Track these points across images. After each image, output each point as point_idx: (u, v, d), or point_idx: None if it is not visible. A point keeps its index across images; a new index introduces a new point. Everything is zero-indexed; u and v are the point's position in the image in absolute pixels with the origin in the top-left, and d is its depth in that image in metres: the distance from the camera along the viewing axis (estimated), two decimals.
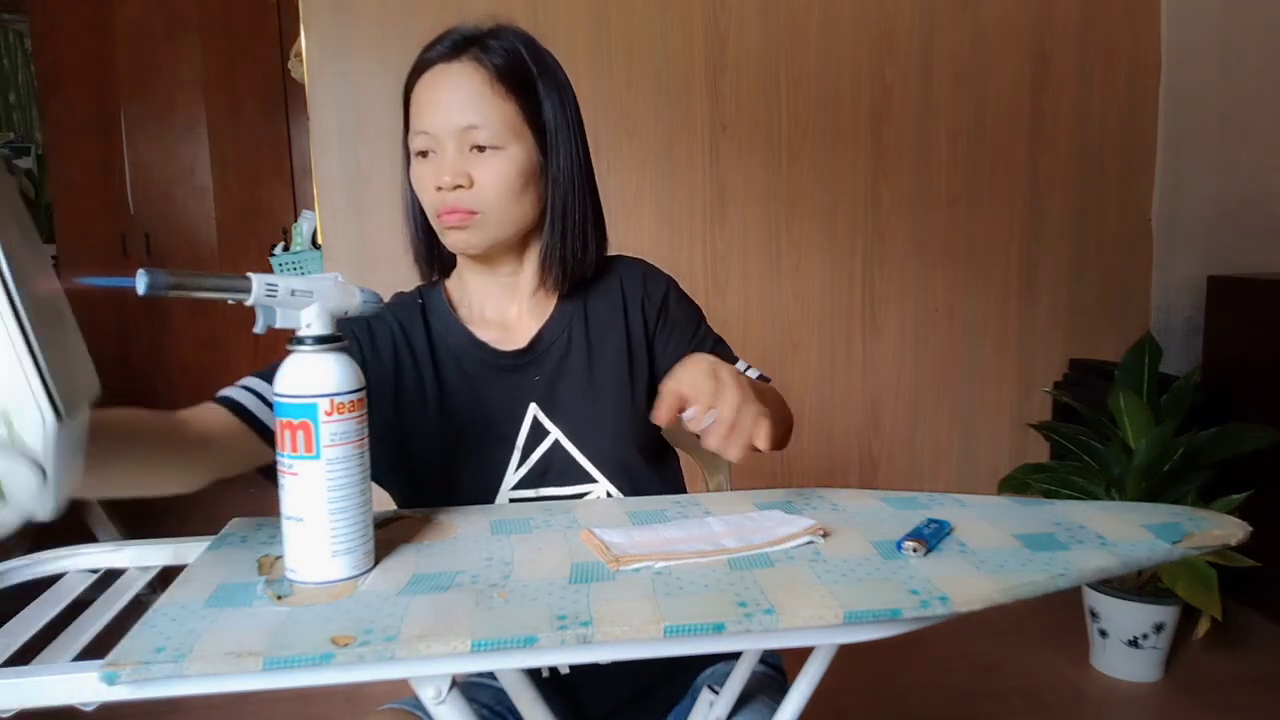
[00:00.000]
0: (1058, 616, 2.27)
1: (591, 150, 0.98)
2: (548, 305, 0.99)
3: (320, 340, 0.65)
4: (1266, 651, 2.14)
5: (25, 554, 0.75)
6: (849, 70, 2.59)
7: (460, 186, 0.87)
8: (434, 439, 0.95)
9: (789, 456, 2.69)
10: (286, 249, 3.07)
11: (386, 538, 0.74)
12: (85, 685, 0.53)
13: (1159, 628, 1.97)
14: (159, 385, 3.77)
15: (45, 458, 0.49)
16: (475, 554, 0.70)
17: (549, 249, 0.95)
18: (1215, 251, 2.63)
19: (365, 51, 2.32)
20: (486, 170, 0.88)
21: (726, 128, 2.55)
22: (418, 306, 0.99)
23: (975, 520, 0.75)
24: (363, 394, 0.66)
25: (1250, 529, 0.71)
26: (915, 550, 0.67)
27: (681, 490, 1.03)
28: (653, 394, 0.76)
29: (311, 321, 0.66)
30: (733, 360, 0.99)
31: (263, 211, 3.79)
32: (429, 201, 0.91)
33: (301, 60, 2.37)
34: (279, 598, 0.62)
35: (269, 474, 0.68)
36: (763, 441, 0.72)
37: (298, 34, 2.39)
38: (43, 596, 0.70)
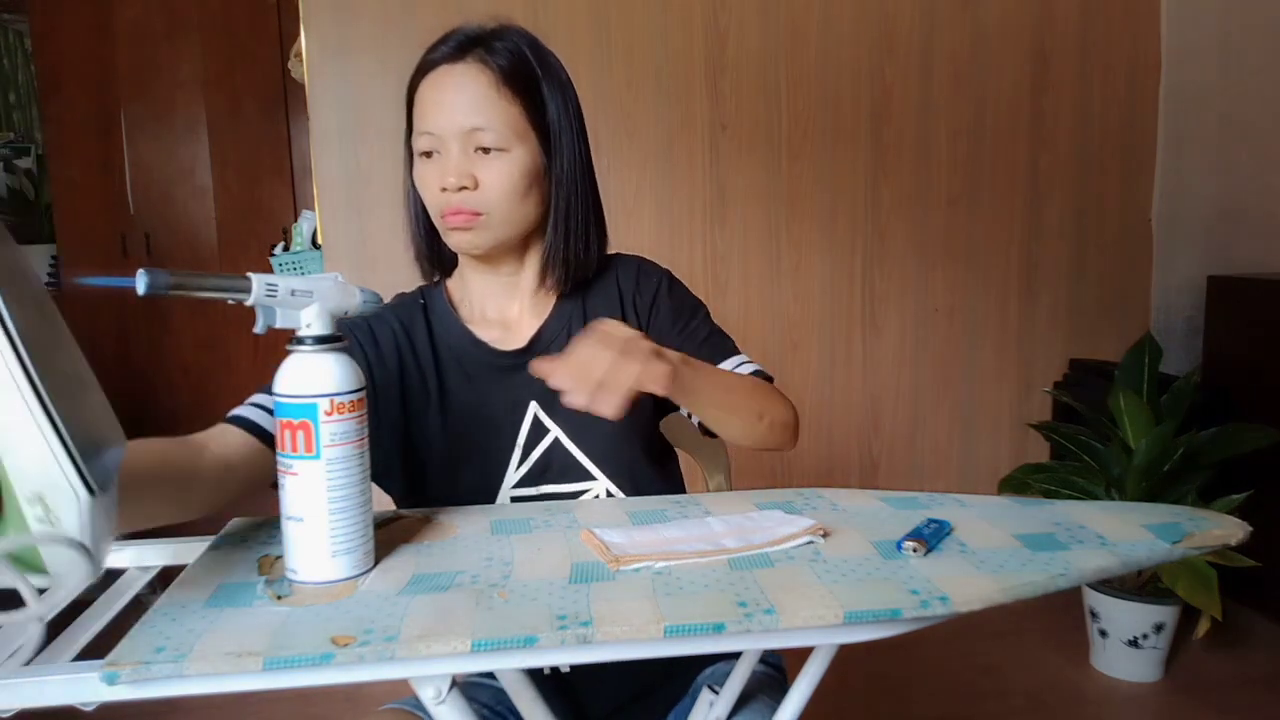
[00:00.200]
0: (1058, 616, 2.27)
1: (592, 150, 0.98)
2: (548, 304, 0.99)
3: (320, 340, 0.65)
4: (1266, 651, 2.14)
5: None
6: (849, 70, 2.59)
7: (465, 188, 0.87)
8: (436, 438, 0.95)
9: (789, 457, 2.69)
10: (286, 249, 3.06)
11: (386, 538, 0.74)
12: (85, 685, 0.53)
13: (1159, 628, 1.97)
14: (159, 385, 3.77)
15: (83, 533, 0.50)
16: (475, 554, 0.70)
17: (552, 249, 0.95)
18: (1215, 251, 2.63)
19: (365, 51, 2.33)
20: (491, 172, 0.88)
21: (726, 128, 2.55)
22: (419, 307, 0.99)
23: (975, 520, 0.75)
24: (363, 394, 0.66)
25: (1250, 529, 0.71)
26: (915, 550, 0.67)
27: (681, 489, 1.03)
28: (650, 392, 0.76)
29: (311, 321, 0.66)
30: (732, 354, 0.96)
31: (263, 211, 3.79)
32: (433, 202, 0.91)
33: (301, 60, 2.37)
34: (279, 598, 0.62)
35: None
36: (652, 385, 0.72)
37: (298, 34, 2.39)
38: (42, 597, 0.70)
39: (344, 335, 0.67)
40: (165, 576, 0.72)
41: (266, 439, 0.81)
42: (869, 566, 0.65)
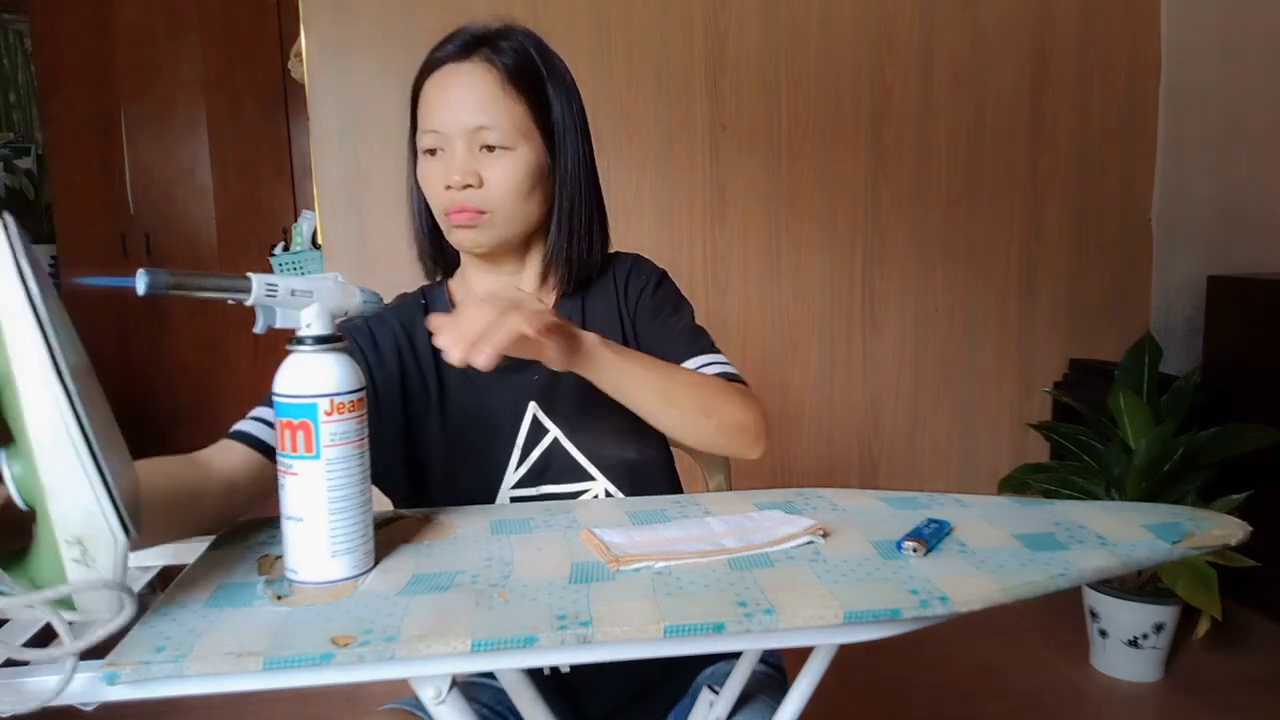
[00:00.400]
0: (1058, 616, 2.27)
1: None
2: (548, 304, 0.99)
3: (320, 340, 0.65)
4: (1266, 651, 2.14)
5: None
6: (849, 70, 2.59)
7: (470, 186, 0.88)
8: (437, 440, 0.95)
9: (789, 457, 2.69)
10: (286, 249, 3.07)
11: (386, 538, 0.74)
12: (85, 685, 0.53)
13: (1159, 628, 1.97)
14: (159, 385, 3.77)
15: (117, 573, 0.52)
16: (475, 554, 0.70)
17: (555, 249, 0.95)
18: (1215, 251, 2.63)
19: (365, 51, 2.32)
20: (496, 170, 0.88)
21: (726, 128, 2.55)
22: (420, 307, 0.99)
23: (975, 520, 0.75)
24: (362, 394, 0.66)
25: (1250, 529, 0.71)
26: (915, 550, 0.67)
27: (679, 488, 1.03)
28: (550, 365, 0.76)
29: (311, 321, 0.66)
30: (703, 352, 0.94)
31: (263, 211, 3.79)
32: (437, 200, 0.91)
33: (301, 60, 2.37)
34: (279, 598, 0.62)
35: None
36: (540, 348, 0.71)
37: (298, 34, 2.39)
38: (83, 635, 0.70)
39: (344, 335, 0.67)
40: (165, 576, 0.72)
41: (269, 453, 0.81)
42: (869, 566, 0.65)
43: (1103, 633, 2.04)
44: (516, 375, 0.94)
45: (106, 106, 3.63)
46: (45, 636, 0.57)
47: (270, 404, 0.82)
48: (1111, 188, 2.78)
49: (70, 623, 0.52)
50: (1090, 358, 2.76)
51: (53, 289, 0.51)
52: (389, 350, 0.95)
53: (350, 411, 0.64)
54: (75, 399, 0.49)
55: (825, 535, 0.72)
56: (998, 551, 0.68)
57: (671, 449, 1.08)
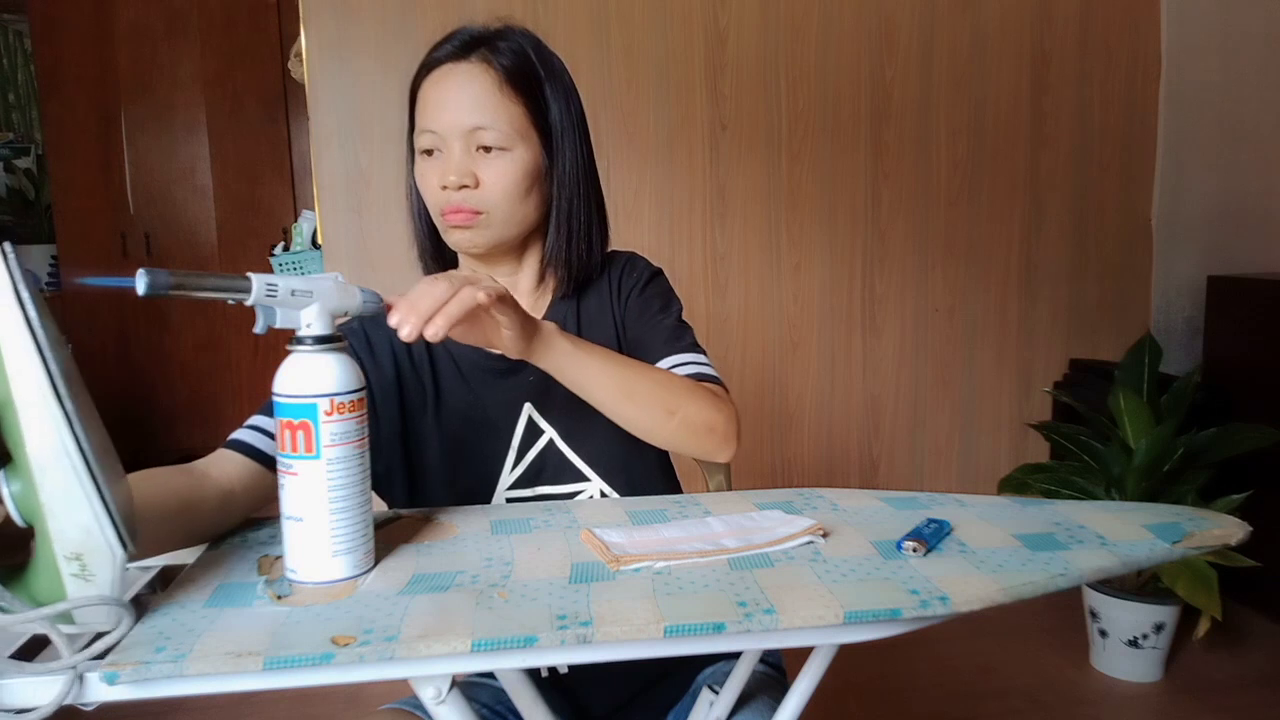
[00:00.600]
0: (1058, 616, 2.27)
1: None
2: (544, 305, 0.99)
3: (320, 340, 0.65)
4: (1266, 651, 2.14)
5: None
6: (849, 70, 2.59)
7: (466, 186, 0.88)
8: (433, 441, 0.95)
9: (789, 457, 2.69)
10: (286, 249, 3.07)
11: (386, 538, 0.74)
12: (85, 685, 0.53)
13: (1159, 628, 1.97)
14: (159, 385, 3.77)
15: (114, 587, 0.54)
16: (475, 554, 0.70)
17: (553, 251, 0.95)
18: (1215, 251, 2.63)
19: (365, 51, 2.32)
20: (493, 171, 0.88)
21: (726, 128, 2.55)
22: None
23: (975, 520, 0.75)
24: (362, 394, 0.66)
25: (1250, 529, 0.71)
26: (915, 550, 0.67)
27: (676, 488, 1.03)
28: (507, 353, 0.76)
29: (311, 321, 0.66)
30: (680, 351, 0.94)
31: (263, 211, 3.79)
32: (433, 200, 0.91)
33: (301, 60, 2.37)
34: (279, 598, 0.62)
35: None
36: (497, 332, 0.72)
37: (298, 34, 2.39)
38: (83, 649, 0.70)
39: (344, 336, 0.67)
40: (165, 576, 0.72)
41: (267, 462, 0.81)
42: (869, 566, 0.65)
43: (1103, 633, 2.04)
44: (511, 376, 0.94)
45: (106, 106, 3.63)
46: (34, 645, 0.58)
47: (267, 412, 0.82)
48: (1111, 188, 2.78)
49: (68, 635, 0.53)
50: (1090, 358, 2.77)
51: (49, 312, 0.52)
52: (384, 353, 0.95)
53: (350, 411, 0.64)
54: (75, 421, 0.51)
55: (825, 535, 0.72)
56: (998, 551, 0.68)
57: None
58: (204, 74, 3.68)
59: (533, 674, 0.93)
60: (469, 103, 0.88)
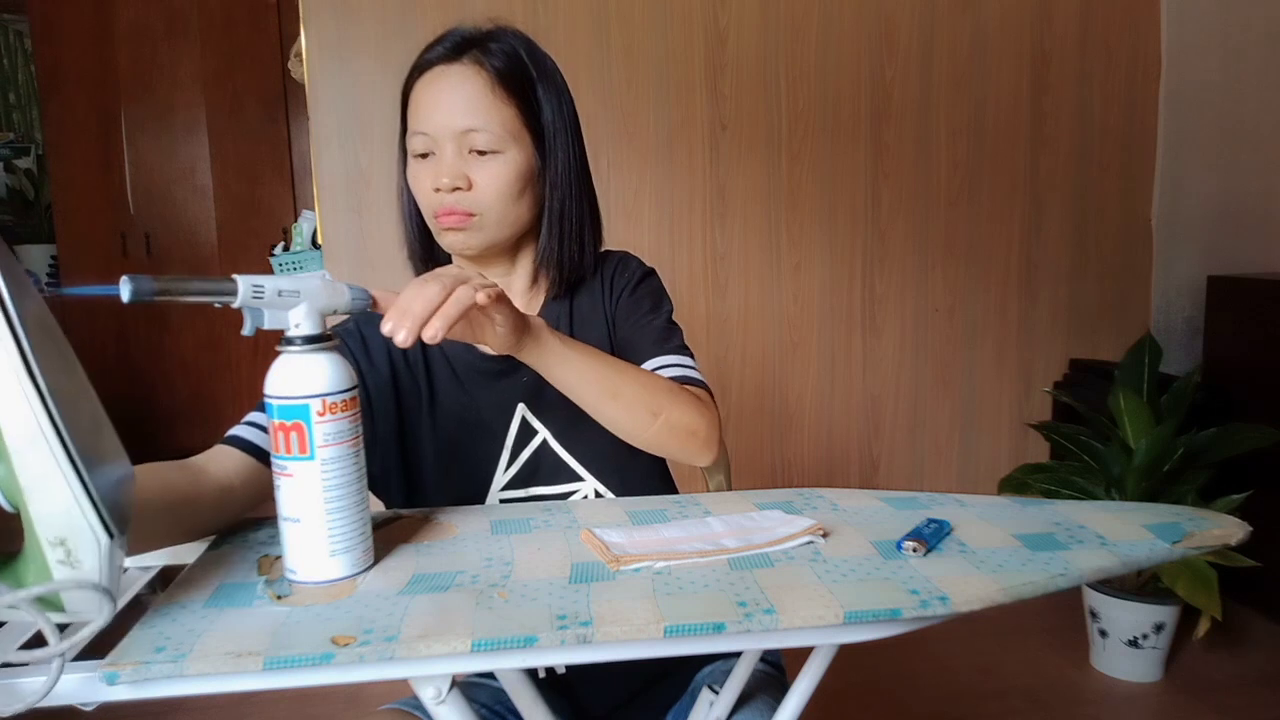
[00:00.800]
0: (1058, 616, 2.27)
1: (592, 150, 0.98)
2: (537, 305, 0.99)
3: (309, 340, 0.65)
4: (1266, 651, 2.14)
5: None
6: (849, 70, 2.59)
7: (459, 188, 0.87)
8: (428, 441, 0.95)
9: (789, 457, 2.69)
10: (286, 249, 3.07)
11: (386, 538, 0.74)
12: (85, 685, 0.53)
13: (1159, 628, 1.97)
14: (159, 385, 3.77)
15: (102, 575, 0.53)
16: (475, 554, 0.70)
17: (546, 252, 0.95)
18: (1215, 251, 2.63)
19: (365, 51, 2.33)
20: (485, 173, 0.88)
21: (726, 128, 2.55)
22: None
23: (975, 520, 0.75)
24: (355, 393, 0.66)
25: (1250, 529, 0.71)
26: (915, 550, 0.67)
27: (671, 488, 1.03)
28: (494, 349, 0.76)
29: (300, 321, 0.65)
30: (667, 353, 0.94)
31: (263, 211, 3.79)
32: (426, 202, 0.91)
33: (301, 60, 2.37)
34: (279, 598, 0.62)
35: None
36: (491, 331, 0.72)
37: (298, 34, 2.39)
38: (66, 636, 0.70)
39: (334, 335, 0.67)
40: (165, 576, 0.72)
41: (264, 458, 0.81)
42: (869, 566, 0.65)
43: (1103, 633, 2.04)
44: (505, 377, 0.94)
45: (106, 106, 3.63)
46: (43, 641, 0.57)
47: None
48: (1111, 188, 2.78)
49: (62, 625, 0.53)
50: (1090, 358, 2.77)
51: (30, 288, 0.51)
52: (379, 353, 0.95)
53: (343, 411, 0.64)
54: (48, 396, 0.49)
55: (825, 535, 0.72)
56: (998, 551, 0.68)
57: None
58: (204, 74, 3.68)
59: (531, 674, 0.93)
60: (461, 105, 0.87)
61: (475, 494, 0.95)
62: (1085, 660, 2.10)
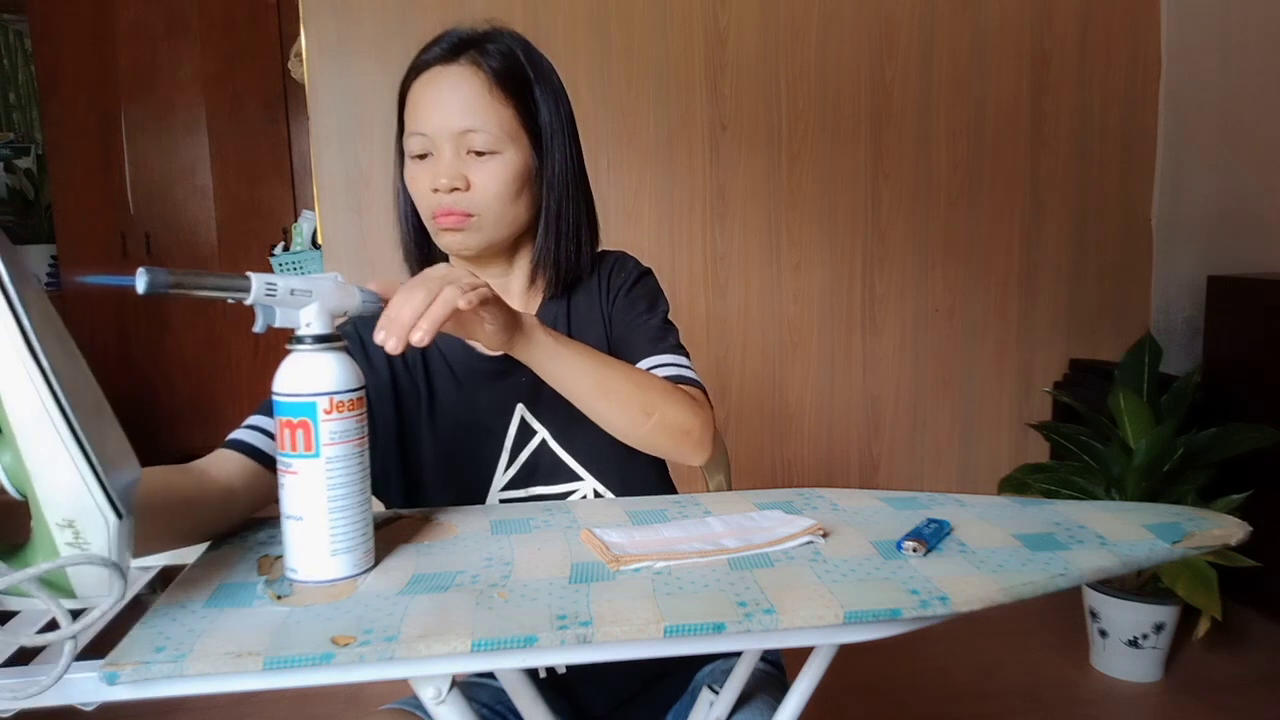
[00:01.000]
0: (1058, 616, 2.27)
1: (591, 150, 0.99)
2: (534, 305, 0.99)
3: (319, 339, 0.65)
4: (1266, 651, 2.14)
5: None
6: (849, 70, 2.59)
7: (457, 189, 0.88)
8: (428, 442, 0.95)
9: (789, 457, 2.69)
10: (286, 249, 3.07)
11: (386, 538, 0.74)
12: (85, 685, 0.53)
13: (1159, 628, 1.97)
14: (159, 385, 3.77)
15: (111, 554, 0.53)
16: (475, 554, 0.70)
17: (543, 252, 0.95)
18: (1215, 251, 2.63)
19: (365, 51, 2.33)
20: (482, 173, 0.88)
21: (726, 128, 2.55)
22: None
23: (975, 520, 0.75)
24: (362, 393, 0.66)
25: (1250, 529, 0.71)
26: (915, 550, 0.67)
27: (670, 488, 1.03)
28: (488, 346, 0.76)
29: (311, 321, 0.66)
30: (663, 352, 0.93)
31: (263, 211, 3.79)
32: (424, 203, 0.91)
33: (301, 60, 2.37)
34: (279, 598, 0.62)
35: None
36: (481, 328, 0.72)
37: (298, 34, 2.39)
38: (78, 619, 0.70)
39: (342, 335, 0.67)
40: (165, 576, 0.72)
41: (266, 462, 0.81)
42: (869, 566, 0.65)
43: (1103, 633, 2.04)
44: (505, 377, 0.94)
45: (106, 106, 3.63)
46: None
47: (266, 412, 0.82)
48: (1111, 188, 2.78)
49: (75, 614, 0.53)
50: (1090, 358, 2.76)
51: (31, 277, 0.51)
52: (379, 355, 0.95)
53: (350, 410, 0.64)
54: (51, 375, 0.49)
55: (825, 535, 0.72)
56: (998, 551, 0.68)
57: None
58: (204, 74, 3.67)
59: (531, 674, 0.93)
60: (459, 105, 0.87)
61: (475, 494, 0.95)
62: (1085, 660, 2.10)
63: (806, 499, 0.83)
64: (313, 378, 0.64)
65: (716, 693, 0.88)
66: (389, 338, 0.67)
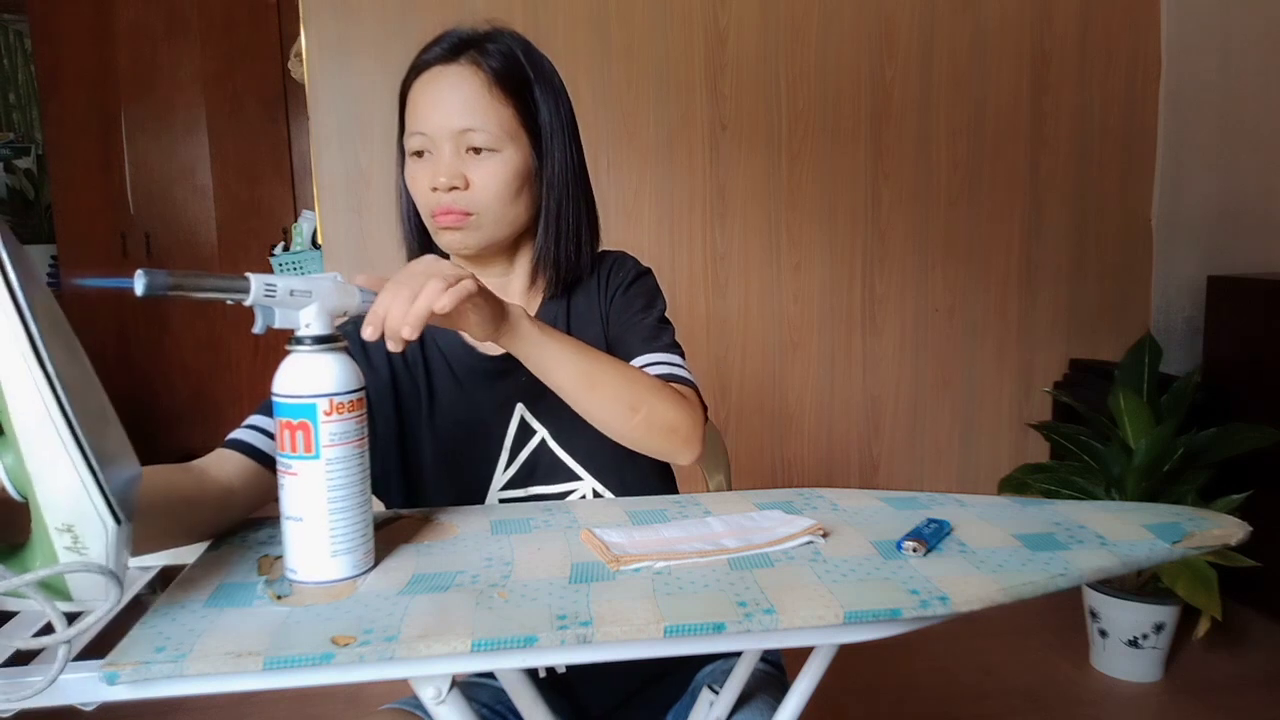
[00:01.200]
0: (1058, 616, 2.27)
1: (591, 150, 0.98)
2: (534, 305, 0.99)
3: (319, 340, 0.65)
4: (1266, 651, 2.14)
5: None
6: (849, 70, 2.59)
7: (456, 188, 0.88)
8: (427, 443, 0.95)
9: (789, 457, 2.69)
10: (286, 249, 3.07)
11: (386, 538, 0.74)
12: (85, 685, 0.53)
13: (1159, 628, 1.97)
14: (159, 385, 3.77)
15: (109, 560, 0.53)
16: (475, 554, 0.70)
17: (542, 251, 0.95)
18: (1215, 251, 2.63)
19: (365, 51, 2.33)
20: (482, 172, 0.88)
21: (726, 128, 2.55)
22: None
23: (975, 520, 0.75)
24: (362, 394, 0.66)
25: (1250, 529, 0.71)
26: (915, 550, 0.67)
27: (672, 487, 1.03)
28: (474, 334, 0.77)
29: (310, 321, 0.66)
30: (656, 351, 0.93)
31: (263, 211, 3.79)
32: (424, 202, 0.91)
33: (301, 60, 2.37)
34: (279, 598, 0.62)
35: None
36: (467, 319, 0.73)
37: (298, 34, 2.39)
38: (75, 623, 0.70)
39: (342, 336, 0.67)
40: (165, 576, 0.72)
41: (265, 461, 0.81)
42: (869, 566, 0.65)
43: (1103, 633, 2.04)
44: (504, 377, 0.94)
45: (106, 106, 3.63)
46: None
47: (266, 412, 0.82)
48: (1111, 188, 2.78)
49: (71, 617, 0.52)
50: (1090, 358, 2.76)
51: (39, 279, 0.52)
52: (379, 355, 0.95)
53: (349, 411, 0.64)
54: (56, 381, 0.50)
55: (825, 535, 0.72)
56: (998, 551, 0.68)
57: None
58: (204, 74, 3.67)
59: (532, 674, 0.93)
60: (459, 104, 0.88)
61: (475, 494, 0.95)
62: (1085, 660, 2.10)
63: (806, 499, 0.83)
64: (312, 379, 0.64)
65: (716, 693, 0.88)
66: (376, 333, 0.68)
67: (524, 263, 0.97)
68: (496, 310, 0.76)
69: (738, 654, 0.88)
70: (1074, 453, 2.13)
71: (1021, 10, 2.66)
